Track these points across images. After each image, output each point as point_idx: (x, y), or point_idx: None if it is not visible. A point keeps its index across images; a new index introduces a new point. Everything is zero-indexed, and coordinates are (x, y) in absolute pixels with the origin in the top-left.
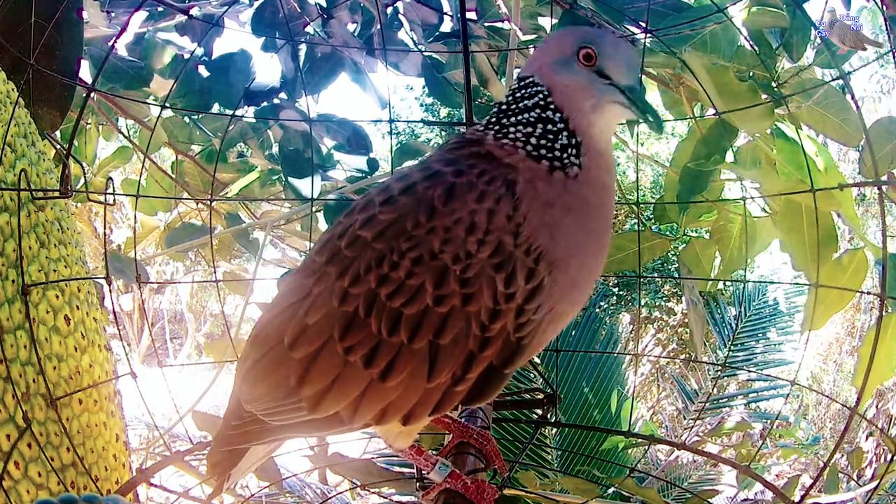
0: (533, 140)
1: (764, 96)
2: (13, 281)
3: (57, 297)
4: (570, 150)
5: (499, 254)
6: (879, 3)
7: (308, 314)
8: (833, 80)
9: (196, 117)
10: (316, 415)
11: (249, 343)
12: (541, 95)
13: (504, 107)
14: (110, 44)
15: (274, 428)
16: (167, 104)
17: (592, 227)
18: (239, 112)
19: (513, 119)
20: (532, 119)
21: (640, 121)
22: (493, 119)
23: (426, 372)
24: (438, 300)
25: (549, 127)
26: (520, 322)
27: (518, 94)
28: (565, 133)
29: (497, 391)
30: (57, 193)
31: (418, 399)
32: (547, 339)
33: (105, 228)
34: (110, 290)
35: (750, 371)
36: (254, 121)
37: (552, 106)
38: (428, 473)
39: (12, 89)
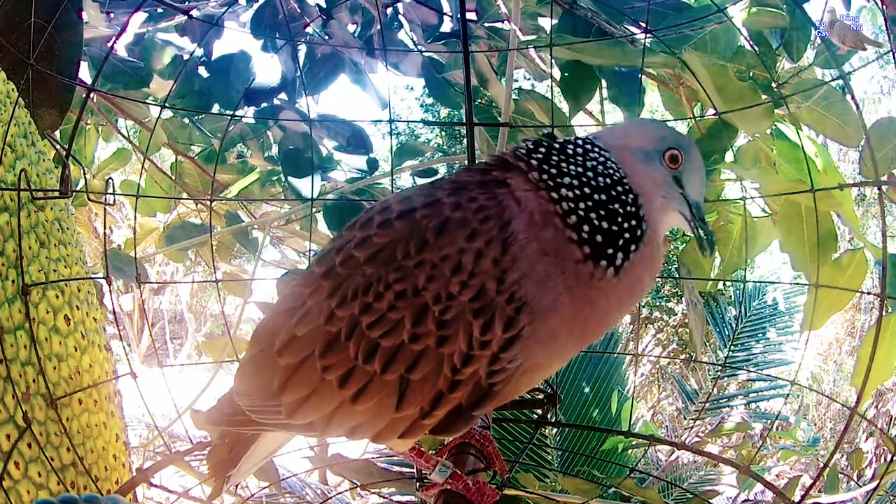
0: (589, 205)
1: (764, 97)
2: (13, 281)
3: (57, 297)
4: (633, 235)
5: (479, 298)
6: (879, 4)
7: (297, 325)
8: (833, 80)
9: (196, 118)
10: (292, 421)
11: (251, 339)
12: (613, 168)
13: (555, 150)
14: (110, 44)
15: (257, 424)
16: (166, 105)
17: (604, 314)
18: (239, 113)
19: (566, 168)
20: (597, 185)
21: (694, 238)
22: (540, 156)
23: (394, 403)
24: (414, 338)
25: (618, 205)
26: (493, 369)
27: (579, 150)
28: (634, 217)
29: (464, 429)
30: (57, 193)
31: (385, 425)
32: (521, 388)
33: (105, 228)
34: (110, 290)
35: (750, 371)
36: (253, 122)
37: (627, 186)
38: (429, 475)
39: (12, 89)
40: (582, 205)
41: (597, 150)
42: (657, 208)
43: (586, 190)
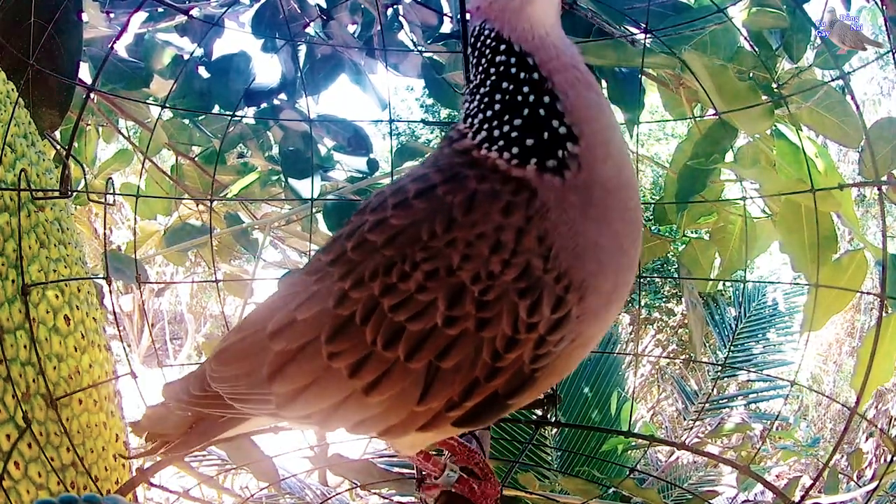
0: (527, 140)
1: (764, 97)
2: (13, 281)
3: (57, 297)
4: (557, 133)
5: (525, 278)
6: (879, 4)
7: (299, 309)
8: (833, 79)
9: (197, 119)
10: (284, 413)
11: (234, 328)
12: (504, 48)
13: (484, 95)
14: (110, 45)
15: (239, 412)
16: (166, 105)
17: (620, 235)
18: (239, 113)
19: (498, 113)
20: (511, 101)
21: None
22: (476, 114)
23: (418, 394)
24: (449, 321)
25: (520, 100)
26: (538, 353)
27: (490, 67)
28: (538, 97)
29: (493, 421)
30: (57, 193)
31: (401, 420)
32: (562, 372)
33: (105, 229)
34: (110, 291)
35: (749, 371)
36: (254, 122)
37: (515, 51)
38: (437, 479)
39: (12, 89)
40: (513, 131)
41: (485, 36)
42: (518, 7)
43: (514, 119)
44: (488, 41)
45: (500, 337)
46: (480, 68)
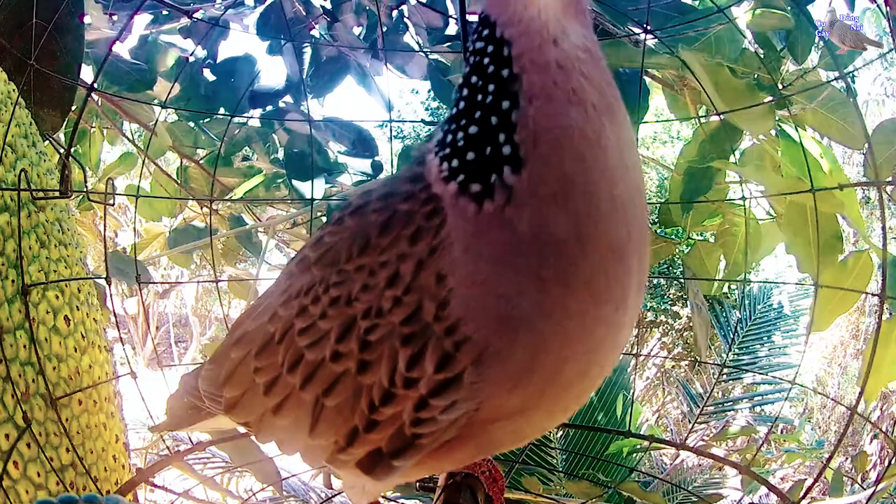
0: (468, 154)
1: (768, 98)
2: (13, 281)
3: (57, 297)
4: (499, 152)
5: (413, 322)
6: (883, 4)
7: (251, 320)
8: (834, 79)
9: (202, 121)
10: (230, 416)
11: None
12: (486, 34)
13: (457, 91)
14: (110, 45)
15: (206, 409)
16: (167, 105)
17: (574, 305)
18: (244, 116)
19: (458, 114)
20: (471, 100)
21: None
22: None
23: (308, 427)
24: (335, 356)
25: (479, 100)
26: (420, 416)
27: (470, 57)
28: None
29: (390, 479)
30: (57, 194)
31: (303, 449)
32: (480, 447)
33: (105, 229)
34: (109, 293)
35: (750, 371)
36: (259, 125)
37: (495, 38)
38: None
39: (13, 90)
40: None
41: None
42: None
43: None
44: (477, 26)
45: (377, 386)
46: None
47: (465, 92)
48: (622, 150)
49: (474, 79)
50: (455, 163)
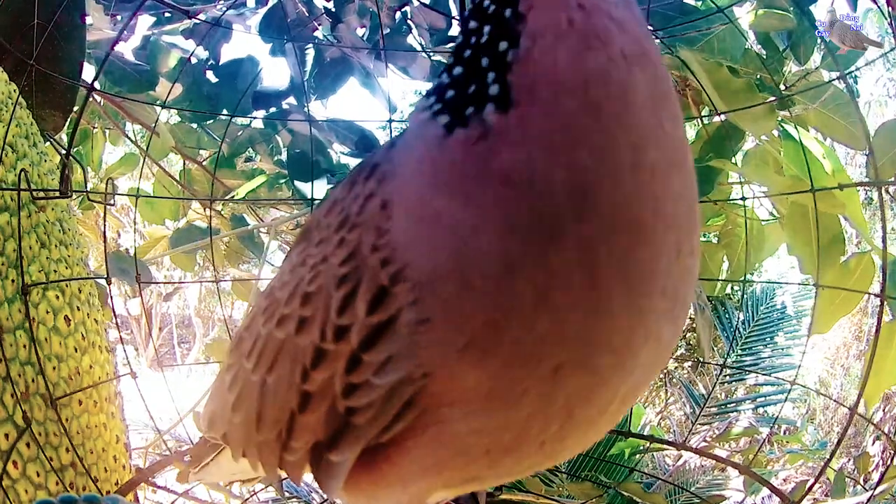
0: (448, 93)
1: (771, 98)
2: (13, 281)
3: (57, 297)
4: (484, 90)
5: (350, 260)
6: (885, 5)
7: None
8: (835, 79)
9: (205, 123)
10: (209, 434)
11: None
12: None
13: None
14: (111, 46)
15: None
16: (167, 105)
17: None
18: (247, 117)
19: (452, 62)
20: (464, 43)
21: None
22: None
23: (255, 417)
24: (281, 320)
25: (473, 42)
26: (351, 381)
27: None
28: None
29: (332, 481)
30: (57, 193)
31: (257, 451)
32: (434, 459)
33: (105, 229)
34: (109, 293)
35: (751, 372)
36: (262, 127)
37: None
38: None
39: (14, 90)
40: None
41: None
42: None
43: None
44: None
45: (310, 346)
46: None
47: (461, 38)
48: (659, 114)
49: (472, 23)
50: (432, 102)
